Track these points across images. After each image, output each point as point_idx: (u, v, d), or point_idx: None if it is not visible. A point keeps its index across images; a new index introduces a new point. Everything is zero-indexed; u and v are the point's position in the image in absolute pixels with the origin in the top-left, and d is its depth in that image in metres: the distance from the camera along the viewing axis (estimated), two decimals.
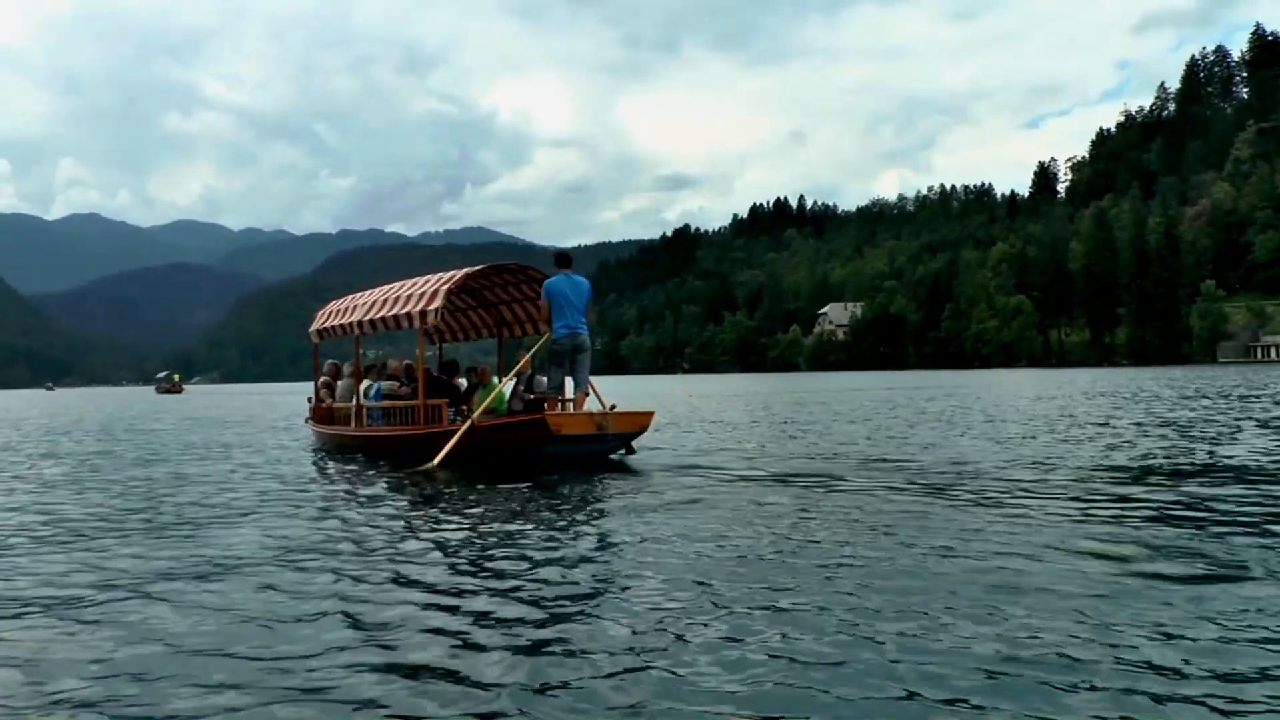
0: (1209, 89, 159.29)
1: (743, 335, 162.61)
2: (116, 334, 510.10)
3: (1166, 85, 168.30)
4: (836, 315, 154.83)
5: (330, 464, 10.73)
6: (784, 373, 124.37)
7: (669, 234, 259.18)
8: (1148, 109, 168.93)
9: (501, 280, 12.53)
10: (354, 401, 12.54)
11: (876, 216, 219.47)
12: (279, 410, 29.57)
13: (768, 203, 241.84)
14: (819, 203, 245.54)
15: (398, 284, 12.13)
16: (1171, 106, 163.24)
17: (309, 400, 14.66)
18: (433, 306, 10.68)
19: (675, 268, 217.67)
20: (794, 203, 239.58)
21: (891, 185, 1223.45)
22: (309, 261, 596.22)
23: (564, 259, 10.53)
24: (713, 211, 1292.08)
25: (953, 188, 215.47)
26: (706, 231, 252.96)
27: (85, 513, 6.78)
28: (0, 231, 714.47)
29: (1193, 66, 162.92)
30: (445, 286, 10.79)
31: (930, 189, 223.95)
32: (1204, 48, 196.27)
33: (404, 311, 11.18)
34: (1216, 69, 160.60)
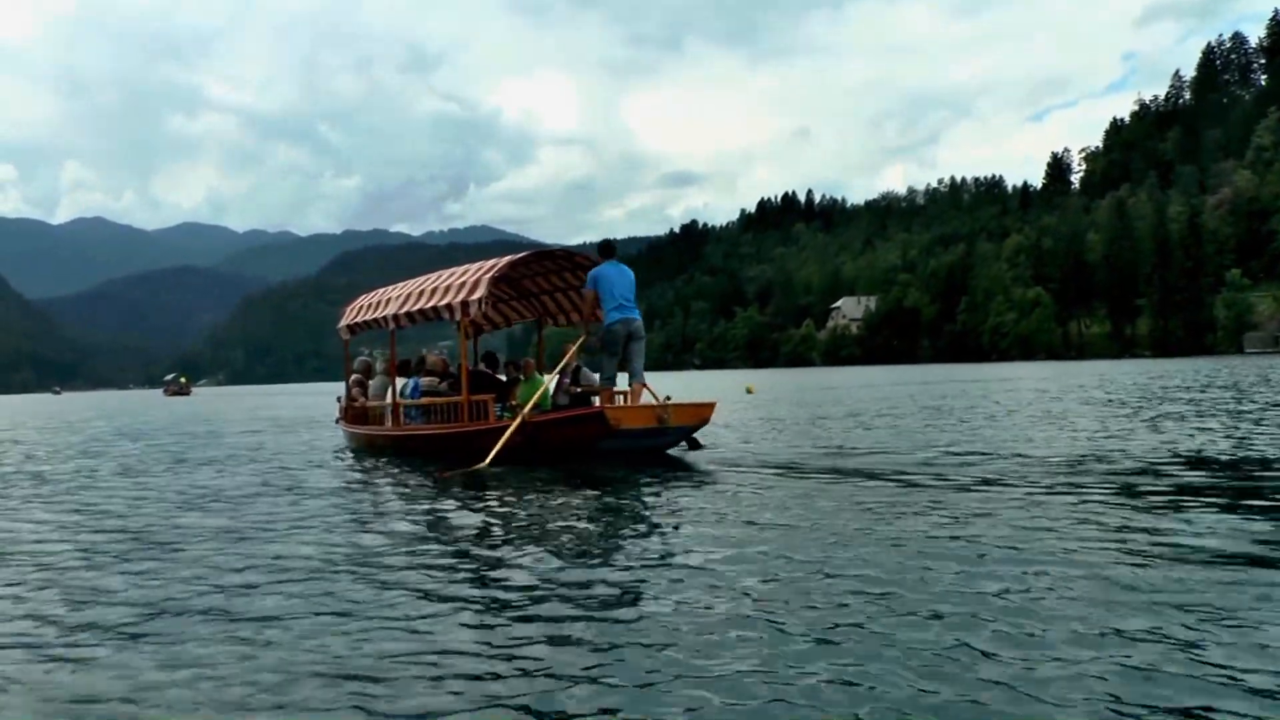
0: (1226, 77, 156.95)
1: (754, 331, 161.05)
2: (122, 337, 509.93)
3: (1182, 73, 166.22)
4: (850, 309, 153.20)
5: (377, 466, 9.92)
6: (799, 368, 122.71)
7: (676, 230, 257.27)
8: (1162, 98, 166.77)
9: (544, 268, 11.89)
10: (389, 399, 12.00)
11: (886, 210, 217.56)
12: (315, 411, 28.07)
13: (775, 198, 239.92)
14: (827, 197, 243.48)
15: (433, 275, 11.58)
16: (1187, 95, 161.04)
17: (338, 400, 14.05)
18: (475, 297, 10.01)
19: (683, 264, 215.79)
20: (801, 198, 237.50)
21: (896, 181, 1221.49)
22: (314, 262, 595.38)
23: (608, 248, 10.10)
24: (717, 209, 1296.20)
25: (963, 180, 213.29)
26: (714, 227, 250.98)
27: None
28: (6, 236, 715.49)
29: (1209, 54, 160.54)
30: (488, 275, 10.09)
31: (941, 181, 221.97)
32: (1220, 35, 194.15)
33: (444, 303, 10.54)
34: (1234, 56, 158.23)
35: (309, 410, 28.29)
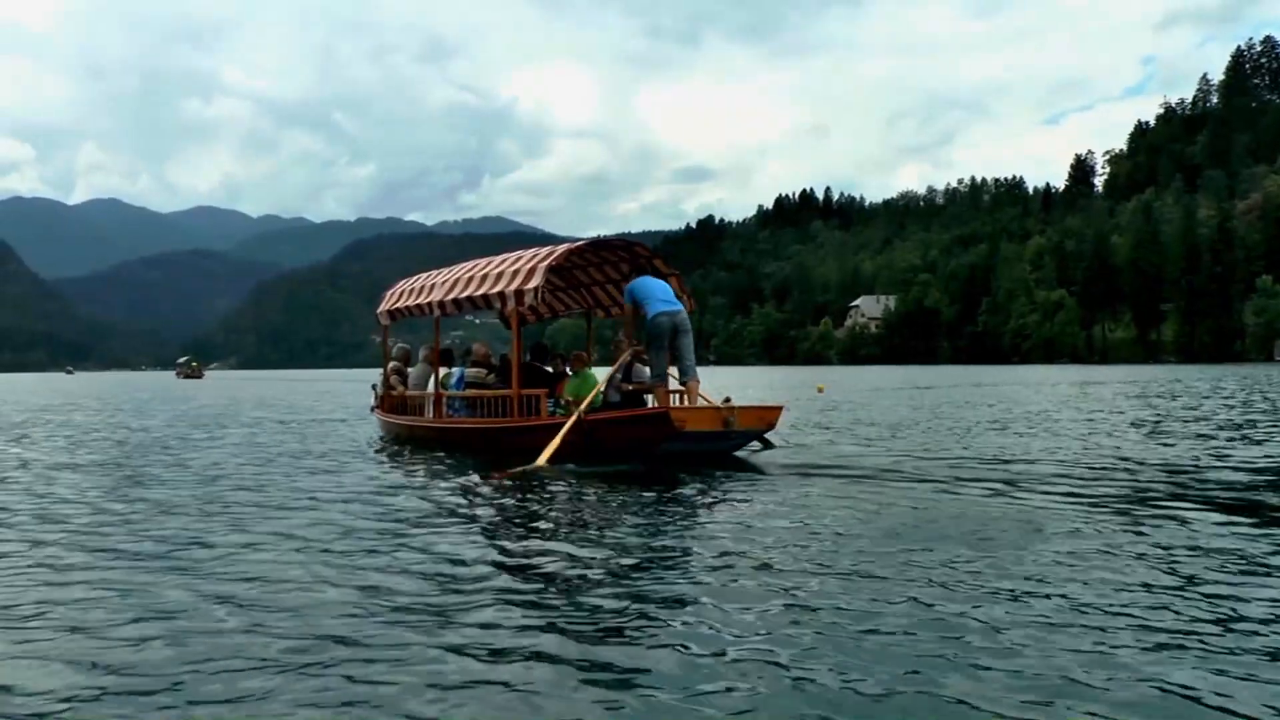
0: (1256, 81, 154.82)
1: (771, 327, 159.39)
2: (135, 319, 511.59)
3: (1209, 77, 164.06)
4: (869, 308, 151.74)
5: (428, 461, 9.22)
6: (817, 366, 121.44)
7: (692, 225, 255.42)
8: (1189, 101, 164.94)
9: (599, 259, 11.40)
10: (431, 389, 11.48)
11: (904, 209, 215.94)
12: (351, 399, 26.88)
13: (793, 194, 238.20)
14: (845, 194, 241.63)
15: (482, 261, 11.14)
16: (1214, 98, 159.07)
17: (373, 388, 13.61)
18: (530, 285, 9.50)
19: (699, 259, 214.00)
20: (819, 195, 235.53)
21: (911, 180, 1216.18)
22: (327, 249, 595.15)
23: (647, 268, 10.00)
24: (732, 204, 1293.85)
25: (983, 180, 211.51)
26: (731, 223, 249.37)
27: None
28: (22, 216, 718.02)
29: (1238, 57, 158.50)
30: (545, 264, 9.57)
31: (961, 181, 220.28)
32: (1250, 38, 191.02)
33: (495, 290, 10.01)
34: (1264, 60, 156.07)
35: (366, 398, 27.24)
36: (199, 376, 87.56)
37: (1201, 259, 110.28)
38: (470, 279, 10.70)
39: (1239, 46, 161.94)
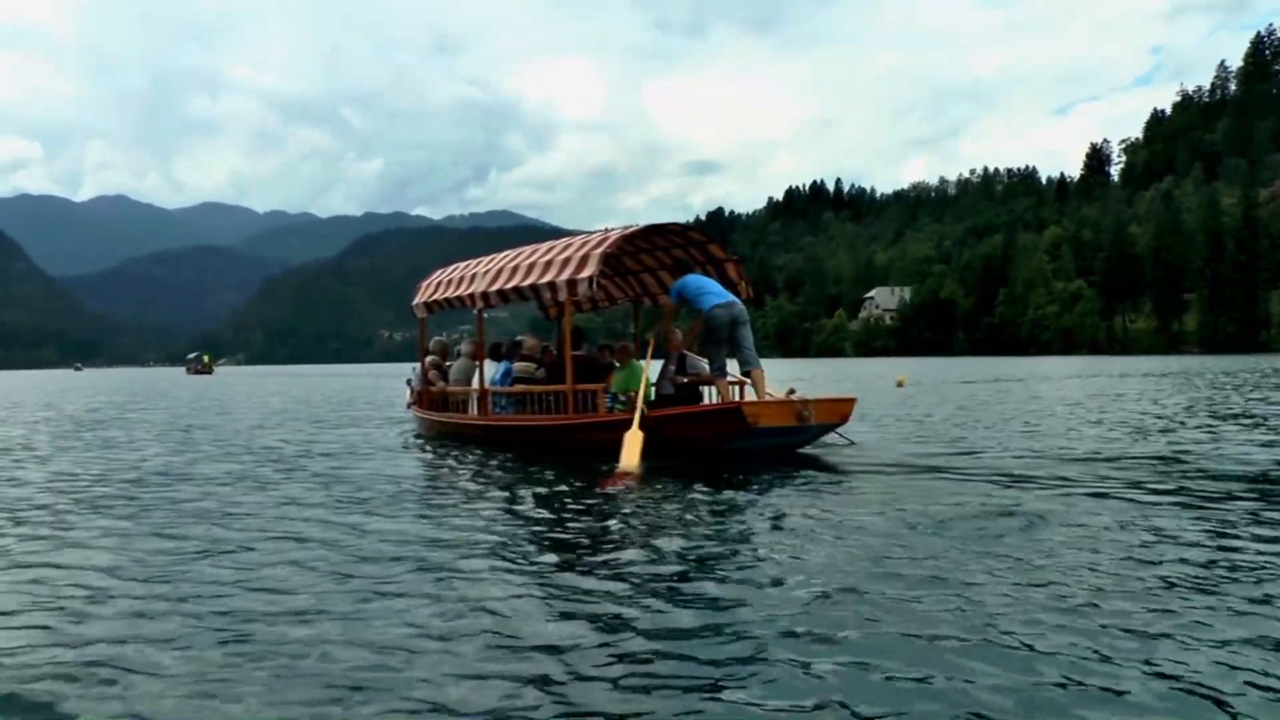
0: (1277, 68, 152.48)
1: (784, 320, 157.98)
2: (143, 315, 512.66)
3: (1228, 64, 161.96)
4: (884, 299, 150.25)
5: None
6: (833, 358, 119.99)
7: (701, 218, 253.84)
8: (1207, 89, 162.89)
9: (650, 245, 10.86)
10: (475, 384, 11.01)
11: (916, 200, 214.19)
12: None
13: (803, 186, 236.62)
14: (855, 186, 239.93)
15: (525, 250, 10.58)
16: (1232, 85, 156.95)
17: (408, 382, 13.17)
18: (584, 275, 9.01)
19: None
20: (830, 186, 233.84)
21: (919, 172, 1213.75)
22: (334, 245, 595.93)
23: (694, 263, 9.99)
24: (740, 197, 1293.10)
25: (995, 170, 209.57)
26: (740, 215, 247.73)
27: None
28: (30, 214, 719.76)
29: (1258, 44, 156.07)
30: (599, 251, 9.05)
31: (973, 172, 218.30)
32: (1270, 25, 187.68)
33: (545, 280, 9.44)
34: None
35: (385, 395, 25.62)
36: (209, 372, 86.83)
37: (1225, 247, 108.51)
38: (516, 268, 10.05)
39: (1258, 33, 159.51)
